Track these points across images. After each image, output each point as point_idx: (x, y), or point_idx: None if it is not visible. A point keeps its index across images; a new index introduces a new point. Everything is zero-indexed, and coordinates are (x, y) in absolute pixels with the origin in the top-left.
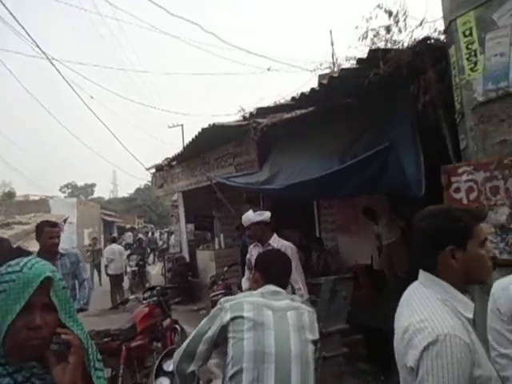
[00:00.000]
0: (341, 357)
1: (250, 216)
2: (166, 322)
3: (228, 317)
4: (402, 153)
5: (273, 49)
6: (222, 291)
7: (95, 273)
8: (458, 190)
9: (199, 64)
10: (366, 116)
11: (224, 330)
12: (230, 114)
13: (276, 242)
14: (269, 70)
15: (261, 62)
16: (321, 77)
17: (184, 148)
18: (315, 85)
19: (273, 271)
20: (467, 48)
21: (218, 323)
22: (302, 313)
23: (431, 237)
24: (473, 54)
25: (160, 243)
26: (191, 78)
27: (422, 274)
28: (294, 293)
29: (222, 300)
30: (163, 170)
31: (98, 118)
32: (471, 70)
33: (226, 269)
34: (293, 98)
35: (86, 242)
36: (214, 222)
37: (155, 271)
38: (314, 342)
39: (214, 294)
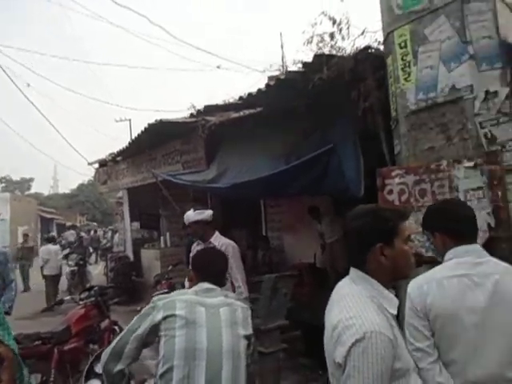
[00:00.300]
0: (280, 352)
1: (189, 215)
2: (105, 324)
3: (160, 316)
4: (343, 155)
5: (224, 47)
6: (166, 290)
7: (26, 274)
8: (391, 191)
9: (150, 59)
10: (311, 119)
11: (155, 328)
12: (181, 111)
13: (218, 240)
14: (218, 67)
15: (211, 60)
16: (270, 78)
17: (129, 143)
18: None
19: (207, 269)
20: (402, 59)
21: (149, 322)
22: (235, 309)
23: (363, 235)
24: (407, 65)
25: (103, 242)
26: (141, 73)
27: (352, 270)
28: (234, 291)
29: (154, 298)
30: (107, 166)
31: (34, 107)
32: (405, 80)
33: (170, 268)
34: (240, 98)
35: (21, 240)
36: (161, 221)
37: (97, 271)
38: (247, 338)
39: (157, 293)
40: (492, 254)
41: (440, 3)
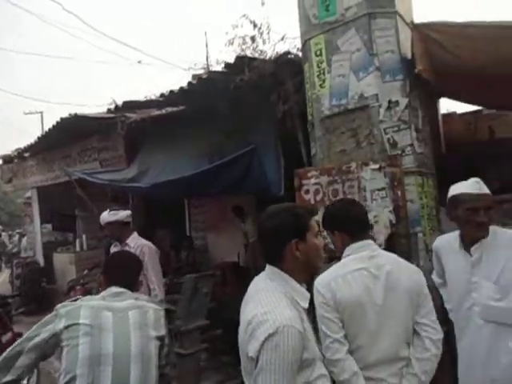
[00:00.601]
0: (201, 353)
1: (104, 216)
2: (7, 337)
3: (62, 325)
4: (264, 156)
5: (147, 43)
6: (80, 296)
7: None
8: (307, 191)
9: (71, 51)
10: (234, 119)
11: (57, 338)
12: (102, 105)
13: (134, 241)
14: (139, 62)
15: (133, 55)
16: (193, 77)
17: (38, 138)
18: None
19: (115, 274)
20: (318, 66)
21: (50, 331)
22: (146, 311)
23: (280, 233)
24: (322, 72)
25: (10, 246)
26: (60, 65)
27: (268, 267)
28: (150, 293)
29: (58, 306)
30: (13, 163)
31: None
32: (320, 86)
33: (86, 272)
34: (162, 95)
35: None
36: (77, 222)
37: (1, 279)
38: (160, 339)
39: (71, 299)
40: (393, 248)
41: (350, 17)
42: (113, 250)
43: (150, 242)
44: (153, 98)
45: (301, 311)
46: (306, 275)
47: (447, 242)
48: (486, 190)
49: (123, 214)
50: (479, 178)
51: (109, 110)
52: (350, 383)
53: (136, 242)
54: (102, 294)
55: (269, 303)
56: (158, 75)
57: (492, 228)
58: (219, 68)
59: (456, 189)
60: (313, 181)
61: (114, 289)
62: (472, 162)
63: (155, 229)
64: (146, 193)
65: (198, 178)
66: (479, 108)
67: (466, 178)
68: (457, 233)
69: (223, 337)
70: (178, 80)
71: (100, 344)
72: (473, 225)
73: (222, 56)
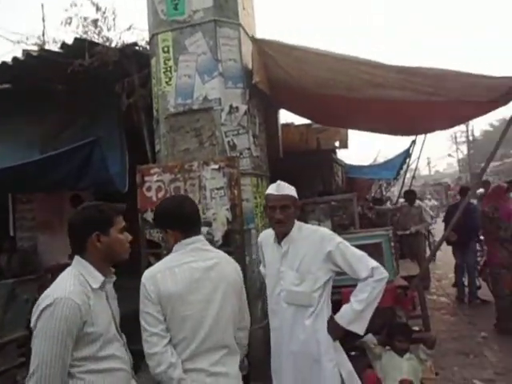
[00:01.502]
0: (17, 369)
1: None
2: None
3: None
4: (107, 149)
5: None
6: None
7: None
8: (149, 188)
9: None
10: (74, 107)
11: None
12: None
13: None
14: None
15: None
16: (24, 52)
17: None
18: None
19: None
20: (165, 63)
21: None
22: None
23: (82, 226)
24: (169, 69)
25: None
26: None
27: (75, 258)
28: None
29: None
30: None
31: None
32: (166, 83)
33: None
34: None
35: None
36: None
37: None
38: None
39: None
40: (229, 243)
41: (198, 20)
42: None
43: None
44: None
45: (89, 291)
46: (111, 263)
47: (267, 236)
48: (284, 192)
49: None
50: (308, 181)
51: None
52: (166, 375)
53: None
54: None
55: (58, 283)
56: None
57: (298, 224)
58: (56, 48)
59: (267, 190)
60: (155, 178)
61: None
62: (303, 168)
63: None
64: None
65: (25, 169)
66: (310, 122)
67: (297, 181)
68: None
69: None
70: (7, 53)
71: None
72: (273, 221)
73: (61, 35)
